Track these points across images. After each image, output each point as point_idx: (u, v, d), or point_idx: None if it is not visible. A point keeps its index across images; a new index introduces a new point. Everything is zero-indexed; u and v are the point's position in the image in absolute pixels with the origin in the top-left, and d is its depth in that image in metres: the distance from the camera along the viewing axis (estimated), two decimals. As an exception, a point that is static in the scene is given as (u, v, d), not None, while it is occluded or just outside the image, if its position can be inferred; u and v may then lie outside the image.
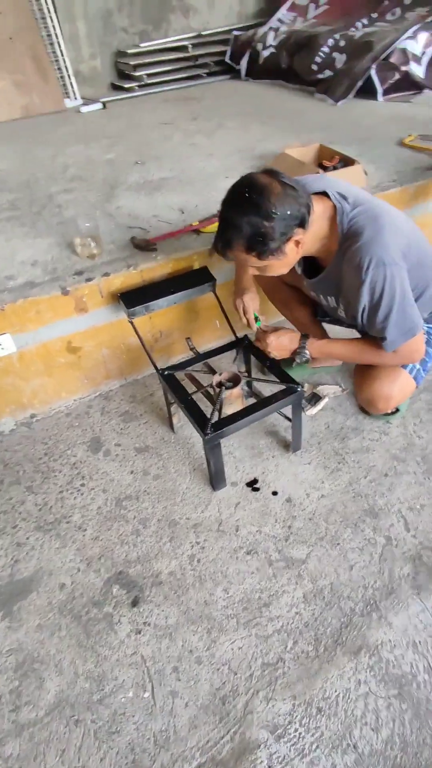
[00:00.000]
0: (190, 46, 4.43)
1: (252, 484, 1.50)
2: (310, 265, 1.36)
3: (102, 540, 1.38)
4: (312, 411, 1.70)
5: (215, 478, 1.44)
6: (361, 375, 1.42)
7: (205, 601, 1.23)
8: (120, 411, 1.80)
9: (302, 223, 1.10)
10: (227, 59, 4.51)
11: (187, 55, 4.43)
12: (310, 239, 1.16)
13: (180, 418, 1.71)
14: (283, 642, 1.14)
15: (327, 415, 1.70)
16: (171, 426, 1.69)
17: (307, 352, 1.35)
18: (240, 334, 1.66)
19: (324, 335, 1.75)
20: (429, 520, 1.37)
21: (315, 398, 1.74)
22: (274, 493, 1.47)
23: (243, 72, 4.30)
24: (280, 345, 1.37)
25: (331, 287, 1.29)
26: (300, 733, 1.01)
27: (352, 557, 1.30)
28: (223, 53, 4.53)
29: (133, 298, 1.61)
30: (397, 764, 0.96)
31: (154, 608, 1.23)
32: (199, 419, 1.33)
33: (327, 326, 1.73)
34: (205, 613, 1.21)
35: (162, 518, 1.43)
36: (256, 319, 1.47)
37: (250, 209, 1.06)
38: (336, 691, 1.06)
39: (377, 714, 1.02)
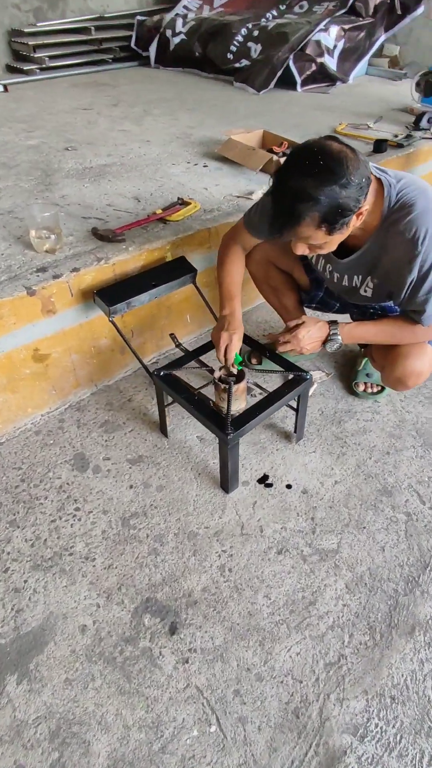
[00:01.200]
0: (92, 28, 4.17)
1: (264, 481, 1.44)
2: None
3: (117, 567, 1.23)
4: (304, 398, 1.67)
5: (231, 480, 1.35)
6: (386, 354, 1.37)
7: (248, 612, 1.15)
8: (99, 421, 1.63)
9: (367, 192, 1.04)
10: (132, 45, 4.33)
11: (89, 38, 4.17)
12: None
13: (171, 421, 1.59)
14: (339, 637, 1.10)
15: (318, 401, 1.69)
16: (164, 431, 1.56)
17: (339, 337, 1.30)
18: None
19: None
20: (438, 491, 1.41)
21: (304, 385, 1.71)
22: (288, 487, 1.42)
23: (152, 59, 4.16)
24: (311, 339, 1.29)
25: (364, 266, 1.24)
26: (381, 728, 0.97)
27: (381, 538, 1.29)
28: (127, 38, 4.35)
29: (111, 294, 1.45)
30: None
31: (196, 631, 1.11)
32: (214, 419, 1.24)
33: (310, 313, 1.71)
34: (252, 624, 1.12)
35: (179, 531, 1.31)
36: (241, 363, 1.30)
37: (328, 177, 0.96)
38: (403, 676, 1.04)
39: (448, 690, 1.02)
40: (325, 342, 1.31)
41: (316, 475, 1.45)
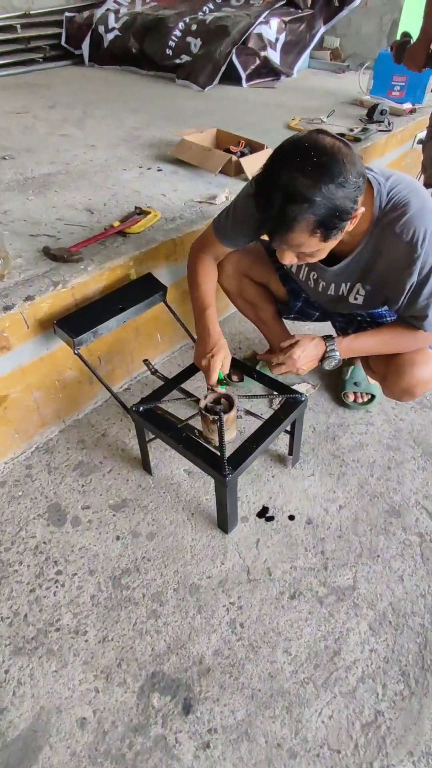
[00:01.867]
0: (18, 26, 3.89)
1: (264, 514, 1.31)
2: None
3: (113, 639, 1.07)
4: (294, 416, 1.56)
5: (230, 520, 1.22)
6: (387, 365, 1.26)
7: (269, 673, 1.02)
8: (72, 463, 1.45)
9: (361, 192, 0.92)
10: (63, 43, 4.08)
11: (16, 36, 3.89)
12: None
13: (153, 455, 1.43)
14: (372, 690, 1.00)
15: (308, 416, 1.58)
16: (147, 469, 1.40)
17: (337, 353, 1.18)
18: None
19: (288, 333, 1.62)
20: (446, 504, 1.34)
21: (291, 401, 1.60)
22: (291, 518, 1.30)
23: (86, 57, 3.93)
24: (308, 358, 1.18)
25: (354, 272, 1.13)
26: (434, 795, 0.87)
27: (397, 566, 1.20)
28: (57, 36, 4.09)
29: (74, 323, 1.28)
30: None
31: (214, 706, 0.98)
32: (209, 459, 1.10)
33: (290, 324, 1.60)
34: (275, 688, 1.00)
35: (178, 586, 1.16)
36: (223, 382, 1.19)
37: (323, 177, 0.84)
38: (447, 727, 0.95)
39: None
40: (322, 360, 1.20)
41: (319, 501, 1.34)
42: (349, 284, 1.17)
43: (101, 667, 1.03)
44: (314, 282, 1.26)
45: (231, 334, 1.95)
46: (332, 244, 0.98)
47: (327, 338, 1.20)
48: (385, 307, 1.25)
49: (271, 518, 1.30)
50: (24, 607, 1.12)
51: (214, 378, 1.15)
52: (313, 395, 1.66)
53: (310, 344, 1.18)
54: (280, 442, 1.50)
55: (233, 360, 1.23)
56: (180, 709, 0.97)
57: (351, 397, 1.61)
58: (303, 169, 0.84)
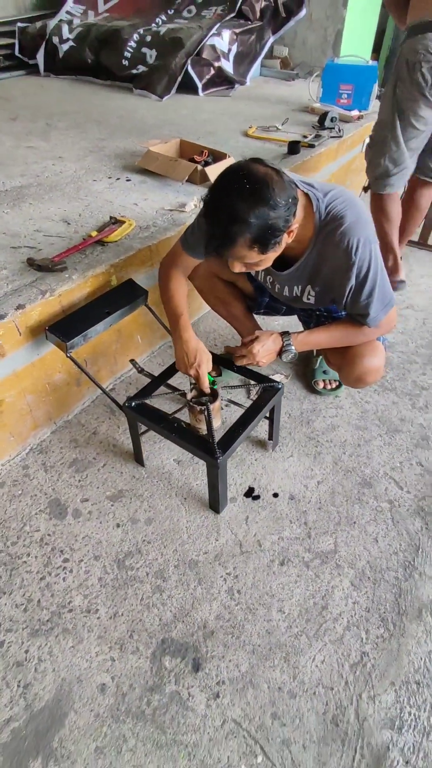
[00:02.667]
0: (-30, 37, 3.88)
1: (250, 494, 1.44)
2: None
3: (123, 614, 1.17)
4: (271, 404, 1.70)
5: (221, 500, 1.34)
6: (342, 356, 1.44)
7: (266, 630, 1.14)
8: (67, 461, 1.53)
9: (295, 211, 1.06)
10: (17, 53, 4.10)
11: (-32, 47, 3.88)
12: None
13: (144, 448, 1.53)
14: (357, 636, 1.14)
15: (283, 404, 1.72)
16: (139, 460, 1.50)
17: (293, 347, 1.33)
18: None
19: (258, 327, 1.75)
20: (411, 473, 1.50)
21: (268, 391, 1.74)
22: (275, 495, 1.43)
23: (42, 67, 3.96)
24: (267, 351, 1.32)
25: (303, 276, 1.28)
26: (414, 714, 1.02)
27: (372, 530, 1.35)
28: (11, 46, 4.11)
29: (65, 328, 1.36)
30: None
31: (220, 662, 1.09)
32: (201, 445, 1.21)
33: (260, 319, 1.73)
34: (272, 642, 1.12)
35: (178, 563, 1.27)
36: (213, 383, 1.31)
37: (256, 201, 0.97)
38: (422, 659, 1.10)
39: (462, 661, 1.09)
40: (280, 353, 1.34)
41: (299, 479, 1.48)
42: (300, 286, 1.32)
43: (114, 639, 1.13)
44: (271, 284, 1.40)
45: (206, 332, 2.07)
46: (272, 255, 1.12)
47: (284, 334, 1.34)
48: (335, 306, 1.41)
49: (257, 497, 1.43)
50: (36, 594, 1.20)
51: (206, 384, 1.28)
52: (287, 384, 1.80)
53: (268, 340, 1.32)
54: (260, 428, 1.63)
55: (212, 356, 1.36)
56: (190, 668, 1.08)
57: (321, 384, 1.76)
58: (241, 195, 0.99)
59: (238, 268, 1.16)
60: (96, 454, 1.55)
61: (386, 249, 2.15)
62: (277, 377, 1.81)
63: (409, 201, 2.24)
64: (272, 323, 2.00)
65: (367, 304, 1.22)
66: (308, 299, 1.37)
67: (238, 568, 1.26)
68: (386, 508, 1.40)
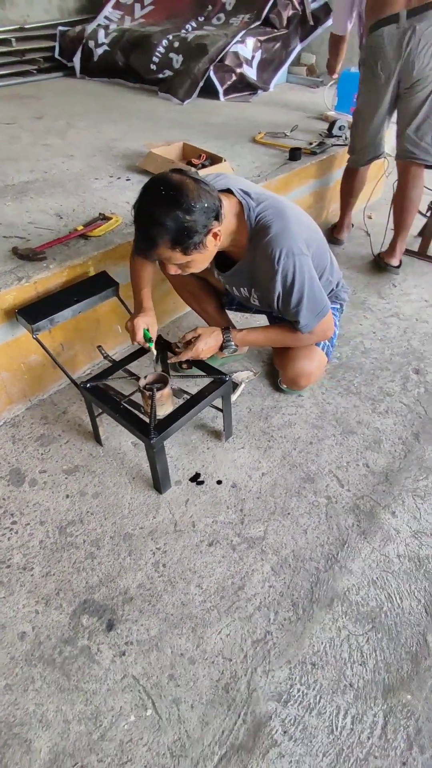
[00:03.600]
0: (13, 39, 4.13)
1: (196, 479, 1.52)
2: (219, 259, 1.40)
3: (55, 574, 1.28)
4: (233, 397, 1.77)
5: (162, 481, 1.43)
6: (281, 358, 1.52)
7: (181, 602, 1.23)
8: (34, 435, 1.66)
9: (218, 216, 1.14)
10: (57, 55, 4.32)
11: (11, 49, 4.13)
12: (221, 234, 1.21)
13: (105, 429, 1.64)
14: (265, 616, 1.20)
15: (246, 399, 1.79)
16: (98, 440, 1.61)
17: (232, 343, 1.41)
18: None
19: (230, 324, 1.83)
20: (355, 473, 1.54)
21: (232, 386, 1.81)
22: (219, 483, 1.51)
23: (77, 69, 4.16)
24: (209, 347, 1.41)
25: (244, 279, 1.36)
26: (303, 692, 1.08)
27: (304, 522, 1.40)
28: (51, 49, 4.33)
29: (33, 312, 1.49)
30: (387, 685, 1.09)
31: (132, 625, 1.18)
32: (139, 426, 1.31)
33: (233, 314, 1.81)
34: (185, 613, 1.20)
35: (114, 534, 1.37)
36: (149, 339, 1.39)
37: (171, 205, 1.07)
38: (323, 643, 1.15)
39: (360, 650, 1.14)
40: (222, 348, 1.42)
41: (245, 470, 1.55)
42: (245, 288, 1.40)
43: (42, 595, 1.24)
44: (224, 284, 1.49)
45: (187, 328, 2.16)
46: (200, 257, 1.19)
47: (225, 330, 1.42)
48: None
49: (201, 482, 1.51)
50: (-18, 549, 1.33)
51: (139, 335, 1.37)
52: (253, 381, 1.87)
53: (210, 336, 1.41)
54: (218, 420, 1.70)
55: (164, 342, 1.46)
56: (104, 627, 1.18)
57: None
58: (157, 201, 1.08)
59: (173, 270, 1.25)
60: (62, 432, 1.67)
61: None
62: (245, 374, 1.88)
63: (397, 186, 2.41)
64: (240, 317, 2.08)
65: (297, 311, 1.29)
66: (254, 301, 1.45)
67: (168, 545, 1.35)
68: (323, 503, 1.45)
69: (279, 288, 1.25)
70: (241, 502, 1.46)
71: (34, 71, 4.24)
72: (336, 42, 2.49)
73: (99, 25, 4.13)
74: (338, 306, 1.70)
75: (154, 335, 1.42)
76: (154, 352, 1.43)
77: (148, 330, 1.40)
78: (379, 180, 2.95)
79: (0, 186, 2.19)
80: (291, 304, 1.28)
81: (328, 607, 1.22)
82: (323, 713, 1.05)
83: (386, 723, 1.03)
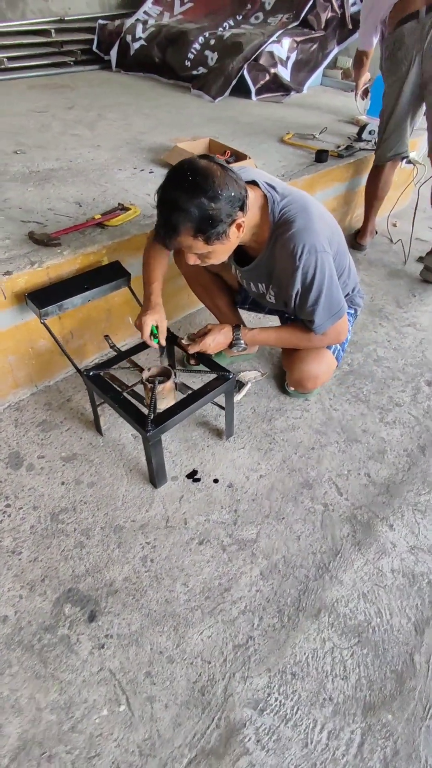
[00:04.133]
0: (53, 31, 4.18)
1: (192, 476, 1.50)
2: (238, 253, 1.38)
3: (42, 560, 1.27)
4: (237, 397, 1.75)
5: (157, 475, 1.41)
6: (289, 358, 1.49)
7: (166, 599, 1.21)
8: (36, 421, 1.66)
9: (243, 207, 1.12)
10: (94, 48, 4.36)
11: (50, 40, 4.18)
12: (245, 226, 1.18)
13: (106, 420, 1.64)
14: (249, 621, 1.17)
15: (251, 399, 1.77)
16: (98, 429, 1.61)
17: (242, 341, 1.39)
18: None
19: (241, 322, 1.81)
20: (356, 483, 1.50)
21: (238, 385, 1.79)
22: (215, 481, 1.49)
23: (114, 63, 4.19)
24: (217, 343, 1.39)
25: (263, 274, 1.34)
26: (280, 701, 1.05)
27: (298, 528, 1.37)
28: (89, 41, 4.37)
29: (42, 297, 1.49)
30: (368, 702, 1.05)
31: (114, 618, 1.17)
32: (137, 417, 1.29)
33: (245, 313, 1.79)
34: (168, 611, 1.19)
35: (105, 525, 1.36)
36: (154, 336, 1.38)
37: (196, 192, 1.04)
38: (305, 654, 1.12)
39: (344, 664, 1.10)
40: (231, 345, 1.39)
41: (243, 470, 1.52)
42: (262, 284, 1.37)
43: (28, 580, 1.23)
44: (241, 279, 1.46)
45: (200, 324, 2.14)
46: (221, 247, 1.16)
47: (235, 328, 1.39)
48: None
49: (197, 480, 1.49)
50: (-26, 529, 1.34)
51: (146, 332, 1.34)
52: (260, 382, 1.84)
53: (219, 333, 1.38)
54: (221, 419, 1.68)
55: (171, 336, 1.44)
56: (85, 618, 1.17)
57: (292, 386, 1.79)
58: (181, 186, 1.05)
59: (192, 260, 1.23)
60: (64, 419, 1.67)
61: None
62: (252, 374, 1.85)
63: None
64: (252, 316, 2.05)
65: (313, 310, 1.25)
66: (270, 298, 1.42)
67: (158, 540, 1.33)
68: (319, 511, 1.42)
69: (298, 284, 1.22)
70: (236, 502, 1.43)
71: (71, 62, 4.28)
72: (360, 57, 2.58)
73: (138, 19, 4.15)
74: (353, 311, 1.66)
75: (162, 331, 1.39)
76: (163, 345, 1.41)
77: (156, 327, 1.38)
78: (407, 188, 2.89)
79: (25, 172, 2.21)
80: (308, 302, 1.25)
81: (314, 617, 1.19)
82: (299, 725, 1.02)
83: (363, 741, 1.00)
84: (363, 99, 2.97)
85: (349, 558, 1.31)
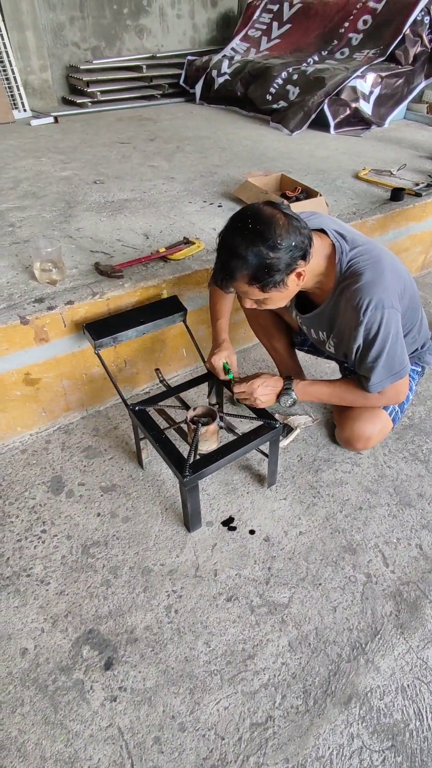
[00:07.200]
0: (144, 66, 4.42)
1: (228, 523, 1.44)
2: (299, 298, 1.33)
3: (68, 594, 1.26)
4: (284, 442, 1.68)
5: (192, 520, 1.37)
6: (341, 414, 1.41)
7: (185, 657, 1.15)
8: (82, 446, 1.68)
9: (305, 255, 1.07)
10: (181, 82, 4.55)
11: (141, 75, 4.42)
12: (307, 274, 1.14)
13: (149, 453, 1.63)
14: (271, 697, 1.08)
15: (299, 446, 1.69)
16: (140, 462, 1.60)
17: (292, 392, 1.33)
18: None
19: (299, 369, 1.75)
20: (405, 554, 1.37)
21: (286, 429, 1.72)
22: (252, 532, 1.42)
23: (198, 96, 4.35)
24: (265, 391, 1.34)
25: (324, 324, 1.28)
26: (295, 802, 0.95)
27: (335, 597, 1.27)
28: (177, 76, 4.58)
29: (99, 328, 1.52)
30: None
31: (130, 670, 1.13)
32: (175, 460, 1.26)
33: (303, 355, 1.73)
34: (186, 671, 1.12)
35: (134, 566, 1.33)
36: (228, 371, 1.41)
37: (255, 240, 1.02)
38: (329, 749, 1.01)
39: (373, 771, 0.98)
40: (279, 396, 1.33)
41: (282, 524, 1.44)
42: (323, 333, 1.31)
43: (52, 613, 1.22)
44: (300, 324, 1.40)
45: (254, 360, 2.10)
46: (278, 295, 1.12)
47: (287, 378, 1.33)
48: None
49: (233, 528, 1.43)
50: (8, 552, 1.36)
51: (220, 374, 1.40)
52: (311, 428, 1.76)
53: (270, 380, 1.33)
54: (265, 464, 1.61)
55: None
56: (102, 664, 1.13)
57: (344, 437, 1.68)
58: (242, 233, 1.02)
59: (248, 304, 1.21)
60: (108, 447, 1.68)
61: None
62: (303, 418, 1.77)
63: None
64: (310, 360, 1.97)
65: (372, 368, 1.17)
66: (330, 347, 1.36)
67: (185, 589, 1.28)
68: (361, 581, 1.30)
69: (360, 340, 1.15)
70: (271, 559, 1.35)
71: (158, 95, 4.50)
72: None
73: (224, 55, 4.29)
74: (419, 369, 1.55)
75: (233, 367, 1.43)
76: (227, 377, 1.43)
77: (227, 363, 1.41)
78: None
79: (101, 202, 2.30)
80: (368, 359, 1.17)
81: (344, 705, 1.07)
82: None
83: None
84: None
85: (389, 641, 1.18)
